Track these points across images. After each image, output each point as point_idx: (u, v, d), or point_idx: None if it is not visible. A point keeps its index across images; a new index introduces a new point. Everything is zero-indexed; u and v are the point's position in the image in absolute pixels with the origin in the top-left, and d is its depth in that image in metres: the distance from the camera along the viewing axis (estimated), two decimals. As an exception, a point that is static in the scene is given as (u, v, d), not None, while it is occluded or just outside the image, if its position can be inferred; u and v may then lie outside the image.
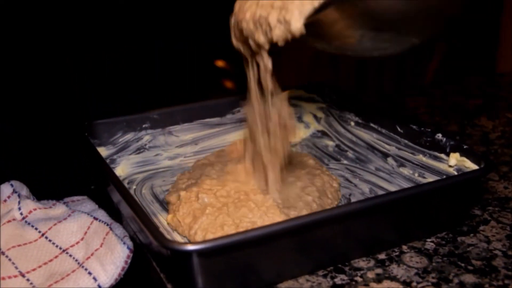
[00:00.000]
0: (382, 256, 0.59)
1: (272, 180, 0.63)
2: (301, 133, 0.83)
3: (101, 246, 0.58)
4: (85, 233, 0.61)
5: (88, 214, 0.63)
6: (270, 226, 0.51)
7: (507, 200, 0.70)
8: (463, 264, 0.58)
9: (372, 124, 0.76)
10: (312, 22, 0.49)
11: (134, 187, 0.72)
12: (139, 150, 0.75)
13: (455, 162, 0.65)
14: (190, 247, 0.47)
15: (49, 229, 0.62)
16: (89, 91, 0.90)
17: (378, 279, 0.55)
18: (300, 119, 0.85)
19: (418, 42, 0.54)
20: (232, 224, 0.58)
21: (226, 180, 0.66)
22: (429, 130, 0.69)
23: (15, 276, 0.55)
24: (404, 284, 0.55)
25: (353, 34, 0.51)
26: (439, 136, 0.67)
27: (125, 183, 0.71)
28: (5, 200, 0.65)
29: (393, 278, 0.55)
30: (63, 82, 0.88)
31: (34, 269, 0.56)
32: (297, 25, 0.49)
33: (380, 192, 0.70)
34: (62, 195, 0.68)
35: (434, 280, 0.55)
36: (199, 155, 0.77)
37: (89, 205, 0.66)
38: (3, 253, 0.57)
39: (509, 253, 0.59)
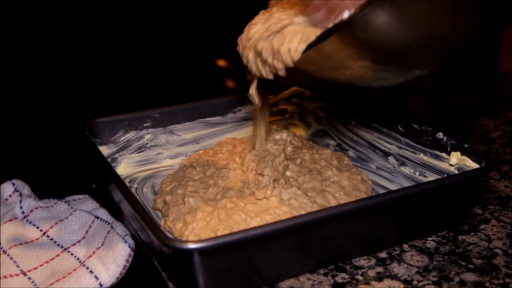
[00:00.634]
0: (383, 254, 0.59)
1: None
2: (302, 132, 0.83)
3: (102, 244, 0.58)
4: (87, 231, 0.61)
5: (89, 213, 0.63)
6: (271, 224, 0.51)
7: (508, 199, 0.70)
8: (464, 263, 0.58)
9: (373, 123, 0.76)
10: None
11: (135, 186, 0.72)
12: (140, 149, 0.75)
13: (456, 161, 0.65)
14: (192, 246, 0.47)
15: (51, 227, 0.62)
16: (89, 91, 0.90)
17: (379, 278, 0.55)
18: (301, 118, 0.85)
19: (423, 74, 0.53)
20: (225, 229, 0.57)
21: (208, 182, 0.66)
22: (430, 129, 0.69)
23: (17, 275, 0.55)
24: (405, 283, 0.55)
25: (352, 65, 0.50)
26: (440, 135, 0.67)
27: (127, 182, 0.71)
28: (6, 199, 0.65)
29: (394, 277, 0.55)
30: (63, 82, 0.88)
31: (35, 268, 0.56)
32: (295, 58, 0.50)
33: (381, 191, 0.70)
34: (64, 194, 0.68)
35: (435, 279, 0.55)
36: (200, 154, 0.77)
37: (90, 204, 0.66)
38: (4, 252, 0.57)
39: (509, 251, 0.59)
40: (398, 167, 0.72)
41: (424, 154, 0.69)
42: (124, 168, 0.73)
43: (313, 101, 0.85)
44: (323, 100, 0.84)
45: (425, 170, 0.69)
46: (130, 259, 0.57)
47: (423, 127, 0.69)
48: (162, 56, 0.94)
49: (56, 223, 0.62)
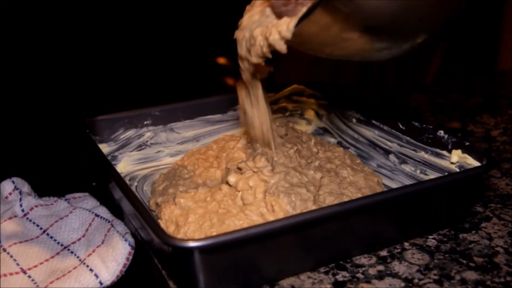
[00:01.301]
0: (383, 253, 0.59)
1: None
2: (303, 129, 0.83)
3: (102, 243, 0.58)
4: (87, 230, 0.61)
5: (89, 211, 0.63)
6: (272, 223, 0.51)
7: (509, 197, 0.69)
8: (464, 261, 0.57)
9: (373, 121, 0.76)
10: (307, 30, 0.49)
11: (135, 184, 0.72)
12: (140, 147, 0.75)
13: (457, 159, 0.64)
14: (192, 244, 0.47)
15: (51, 226, 0.62)
16: (89, 91, 0.90)
17: (380, 276, 0.55)
18: (301, 115, 0.85)
19: (419, 42, 0.53)
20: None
21: (197, 181, 0.66)
22: (431, 127, 0.69)
23: (17, 273, 0.55)
24: (406, 281, 0.54)
25: (349, 36, 0.50)
26: (441, 133, 0.67)
27: (127, 180, 0.71)
28: (6, 197, 0.65)
29: (395, 275, 0.55)
30: (63, 81, 0.88)
31: (35, 266, 0.56)
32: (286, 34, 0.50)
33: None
34: (64, 192, 0.68)
35: (435, 277, 0.55)
36: (201, 152, 0.77)
37: (90, 202, 0.66)
38: (4, 250, 0.57)
39: (510, 250, 0.59)
40: (399, 165, 0.72)
41: (425, 152, 0.69)
42: (124, 166, 0.73)
43: (313, 99, 0.85)
44: (323, 98, 0.84)
45: (426, 168, 0.69)
46: (130, 257, 0.57)
47: (424, 125, 0.69)
48: (162, 54, 0.94)
49: (56, 221, 0.62)
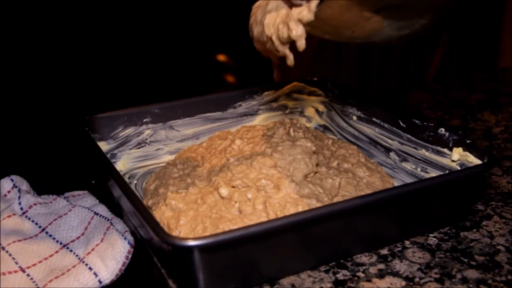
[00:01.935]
0: (384, 251, 0.58)
1: None
2: (303, 127, 0.83)
3: (101, 241, 0.58)
4: (86, 228, 0.61)
5: (88, 209, 0.63)
6: (272, 221, 0.50)
7: (510, 195, 0.69)
8: (466, 260, 0.57)
9: (374, 119, 0.75)
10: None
11: (135, 182, 0.72)
12: (140, 145, 0.74)
13: (458, 156, 0.64)
14: (192, 243, 0.47)
15: (50, 224, 0.62)
16: (89, 90, 0.90)
17: (381, 275, 0.55)
18: (302, 113, 0.85)
19: (427, 20, 0.53)
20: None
21: (187, 180, 0.66)
22: (432, 124, 0.68)
23: (15, 272, 0.54)
24: (407, 280, 0.54)
25: (370, 15, 0.50)
26: (442, 130, 0.67)
27: (126, 178, 0.71)
28: (5, 195, 0.65)
29: (396, 274, 0.55)
30: (62, 80, 0.88)
31: (34, 264, 0.56)
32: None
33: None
34: (63, 190, 0.68)
35: (437, 276, 0.55)
36: (200, 150, 0.77)
37: (89, 200, 0.65)
38: (3, 248, 0.56)
39: (512, 248, 0.59)
40: (399, 163, 0.72)
41: (426, 150, 0.69)
42: (123, 163, 0.73)
43: (313, 96, 0.85)
44: (324, 95, 0.84)
45: (427, 166, 0.68)
46: (130, 256, 0.56)
47: (425, 123, 0.69)
48: (161, 52, 0.94)
49: (55, 219, 0.62)
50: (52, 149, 0.81)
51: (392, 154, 0.73)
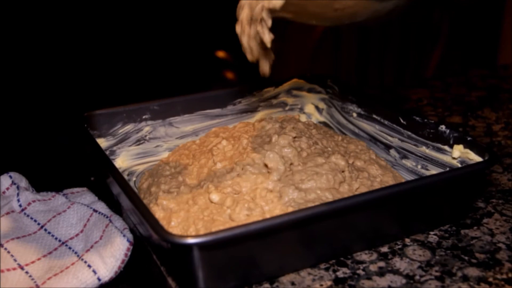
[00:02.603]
0: (384, 249, 0.58)
1: None
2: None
3: (100, 238, 0.58)
4: (85, 225, 0.61)
5: (87, 206, 0.63)
6: (272, 219, 0.50)
7: (511, 192, 0.69)
8: (466, 257, 0.57)
9: (374, 116, 0.75)
10: None
11: (134, 179, 0.71)
12: (139, 142, 0.74)
13: (459, 154, 0.64)
14: (191, 240, 0.46)
15: (48, 221, 0.61)
16: (88, 87, 0.89)
17: (381, 273, 0.55)
18: (301, 110, 0.85)
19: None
20: None
21: (178, 178, 0.65)
22: (432, 121, 0.68)
23: (14, 269, 0.54)
24: (407, 278, 0.54)
25: None
26: (442, 127, 0.67)
27: (125, 175, 0.71)
28: (4, 192, 0.64)
29: (396, 272, 0.55)
30: (61, 76, 0.87)
31: (33, 262, 0.56)
32: None
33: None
34: (62, 187, 0.68)
35: (437, 274, 0.55)
36: (200, 147, 0.76)
37: (88, 197, 0.65)
38: (1, 246, 0.56)
39: (513, 246, 0.59)
40: (399, 160, 0.71)
41: (426, 147, 0.68)
42: (122, 160, 0.72)
43: (313, 93, 0.84)
44: (323, 92, 0.84)
45: (427, 163, 0.68)
46: (129, 253, 0.56)
47: (425, 120, 0.69)
48: (161, 48, 0.94)
49: (54, 217, 0.62)
50: (51, 145, 0.80)
51: (392, 151, 0.72)
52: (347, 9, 0.53)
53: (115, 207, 0.63)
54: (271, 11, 0.52)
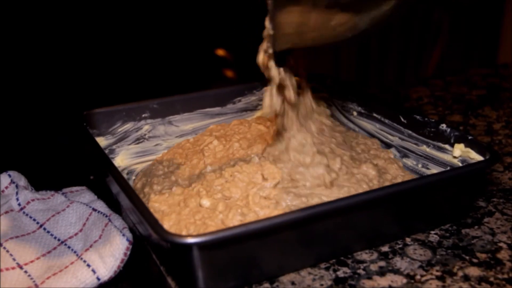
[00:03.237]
0: (385, 248, 0.58)
1: None
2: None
3: (100, 237, 0.57)
4: (84, 224, 0.60)
5: (86, 205, 0.62)
6: (272, 218, 0.50)
7: (512, 191, 0.69)
8: (467, 257, 0.57)
9: (374, 114, 0.75)
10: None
11: (133, 177, 0.71)
12: (138, 140, 0.74)
13: (460, 153, 0.64)
14: (191, 240, 0.46)
15: (48, 220, 0.61)
16: (87, 85, 0.89)
17: (381, 272, 0.54)
18: (301, 109, 0.84)
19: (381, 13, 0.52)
20: None
21: (171, 178, 0.65)
22: (433, 120, 0.68)
23: (13, 268, 0.54)
24: (408, 277, 0.54)
25: (330, 13, 0.50)
26: (443, 126, 0.66)
27: (124, 174, 0.70)
28: (3, 191, 0.64)
29: (397, 271, 0.55)
30: (61, 75, 0.87)
31: (32, 261, 0.55)
32: None
33: (383, 184, 0.69)
34: (61, 186, 0.67)
35: (438, 273, 0.54)
36: (200, 146, 0.76)
37: (88, 195, 0.65)
38: (0, 245, 0.56)
39: (514, 245, 0.59)
40: (400, 159, 0.71)
41: (427, 146, 0.68)
42: (122, 159, 0.72)
43: (314, 92, 0.84)
44: (323, 91, 0.83)
45: (428, 162, 0.68)
46: (128, 253, 0.56)
47: (426, 118, 0.68)
48: (160, 46, 0.93)
49: (53, 216, 0.62)
50: (50, 144, 0.80)
51: (392, 150, 0.72)
52: (346, 23, 0.53)
53: (115, 206, 0.63)
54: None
